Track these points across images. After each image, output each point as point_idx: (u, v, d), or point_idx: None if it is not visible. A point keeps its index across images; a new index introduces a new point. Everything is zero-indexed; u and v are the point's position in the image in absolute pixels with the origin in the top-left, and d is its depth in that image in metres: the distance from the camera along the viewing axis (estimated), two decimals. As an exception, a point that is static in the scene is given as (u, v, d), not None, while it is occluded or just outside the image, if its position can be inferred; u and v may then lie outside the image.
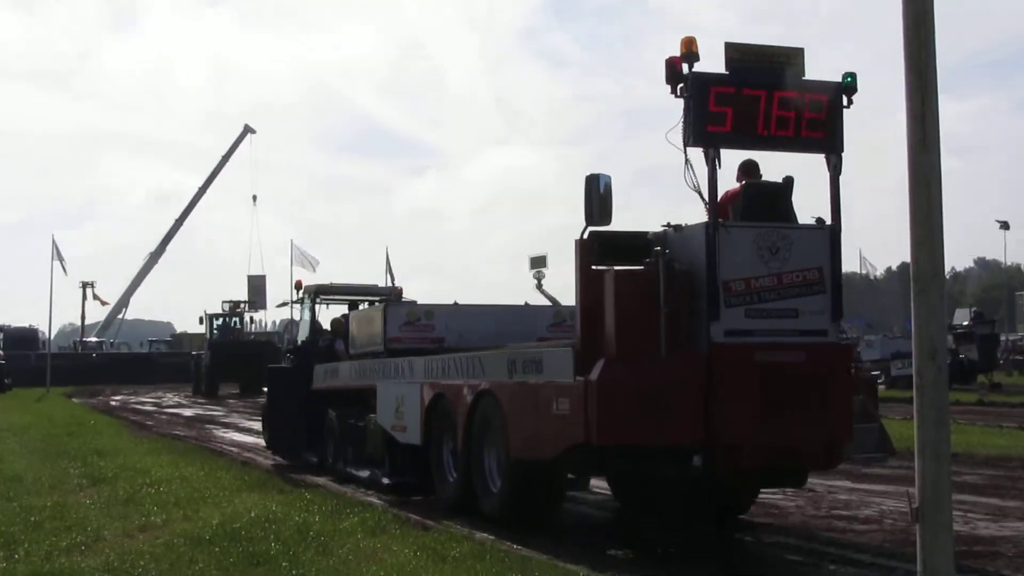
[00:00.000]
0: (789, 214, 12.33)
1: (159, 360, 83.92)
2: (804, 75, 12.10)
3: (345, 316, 21.82)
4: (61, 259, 62.84)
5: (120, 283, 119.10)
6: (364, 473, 18.17)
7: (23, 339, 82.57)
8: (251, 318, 70.20)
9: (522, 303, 18.37)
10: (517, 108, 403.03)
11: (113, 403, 52.05)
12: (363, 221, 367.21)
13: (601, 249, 12.31)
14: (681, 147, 11.76)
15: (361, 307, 22.54)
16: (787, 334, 12.00)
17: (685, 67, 11.70)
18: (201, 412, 44.67)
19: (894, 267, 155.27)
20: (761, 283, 11.92)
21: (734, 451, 11.72)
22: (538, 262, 17.24)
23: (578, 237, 12.40)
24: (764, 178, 12.93)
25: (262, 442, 24.72)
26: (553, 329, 16.87)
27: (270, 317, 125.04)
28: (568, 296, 13.71)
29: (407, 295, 23.40)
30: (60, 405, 46.34)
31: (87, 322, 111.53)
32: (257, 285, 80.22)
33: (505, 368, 13.56)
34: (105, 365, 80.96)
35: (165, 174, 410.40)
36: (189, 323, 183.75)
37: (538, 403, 12.66)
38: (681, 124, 11.77)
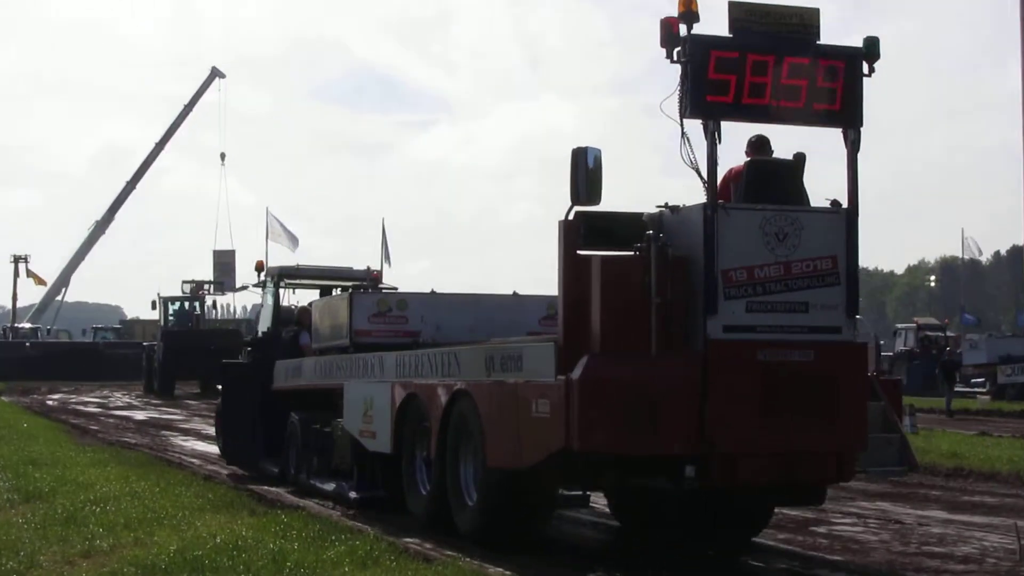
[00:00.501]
0: (800, 195, 11.25)
1: (106, 352, 72.71)
2: (819, 39, 10.92)
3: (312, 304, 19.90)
4: None
5: (59, 258, 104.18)
6: (329, 486, 16.82)
7: None
8: (215, 303, 63.16)
9: (510, 292, 16.85)
10: (546, 49, 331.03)
11: (50, 403, 47.02)
12: (355, 188, 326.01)
13: (589, 232, 11.39)
14: (677, 119, 10.63)
15: (336, 293, 20.79)
16: (795, 331, 11.06)
17: (683, 28, 10.53)
18: (156, 415, 39.72)
19: (1003, 251, 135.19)
20: (766, 273, 11.01)
21: (731, 461, 10.87)
22: None
23: (562, 218, 11.06)
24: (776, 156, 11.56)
25: (228, 453, 22.63)
26: (546, 323, 15.46)
27: (240, 302, 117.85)
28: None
29: (406, 278, 21.39)
30: None
31: (19, 304, 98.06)
32: (225, 262, 73.03)
33: (483, 365, 12.45)
34: (40, 357, 71.13)
35: (115, 128, 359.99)
36: (142, 308, 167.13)
37: (517, 405, 11.73)
38: (678, 93, 10.44)
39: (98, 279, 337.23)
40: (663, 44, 10.73)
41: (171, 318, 57.53)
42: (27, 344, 74.43)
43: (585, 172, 11.15)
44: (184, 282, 59.65)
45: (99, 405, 46.01)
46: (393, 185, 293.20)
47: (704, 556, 12.81)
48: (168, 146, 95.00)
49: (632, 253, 11.01)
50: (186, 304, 58.12)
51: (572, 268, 11.25)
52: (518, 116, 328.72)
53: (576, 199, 11.25)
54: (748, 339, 10.82)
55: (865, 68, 11.21)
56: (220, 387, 21.70)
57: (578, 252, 11.29)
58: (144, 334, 74.43)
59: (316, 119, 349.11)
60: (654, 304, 10.75)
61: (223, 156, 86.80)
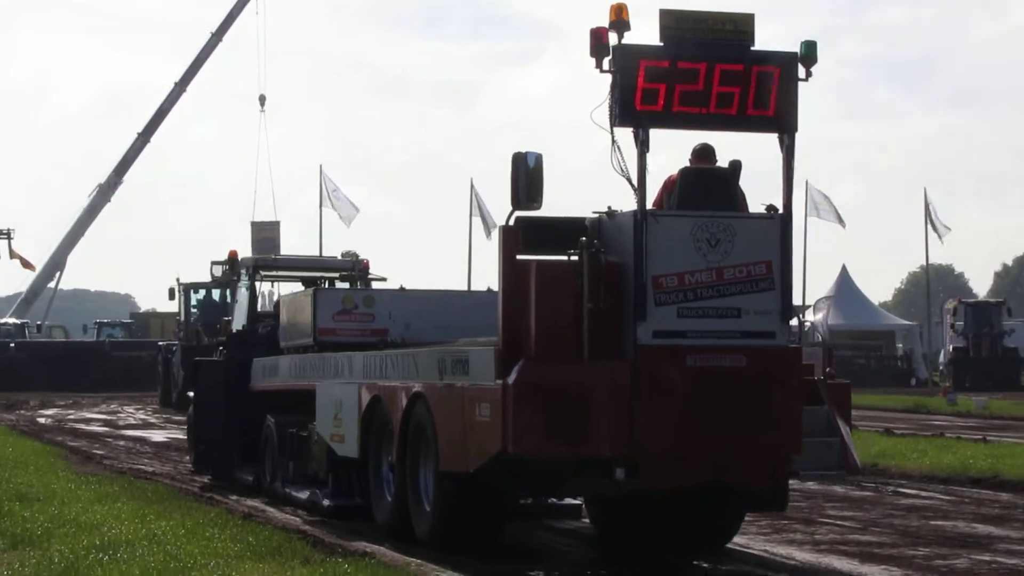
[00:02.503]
0: (734, 202, 11.61)
1: (113, 354, 58.70)
2: (753, 44, 11.33)
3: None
4: None
5: (52, 234, 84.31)
6: (303, 494, 16.70)
7: None
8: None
9: (484, 288, 16.79)
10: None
11: (42, 420, 38.71)
12: (431, 137, 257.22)
13: (528, 237, 11.74)
14: (608, 128, 10.84)
15: (324, 285, 20.15)
16: (727, 336, 11.52)
17: (613, 37, 10.88)
18: (178, 435, 30.89)
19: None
20: (697, 279, 11.48)
21: (660, 464, 11.33)
22: None
23: (503, 223, 11.45)
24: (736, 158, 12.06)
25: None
26: None
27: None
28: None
29: None
30: None
31: (2, 294, 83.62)
32: (267, 237, 58.03)
33: (436, 368, 12.70)
34: (28, 361, 57.52)
35: (122, 63, 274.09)
36: (158, 297, 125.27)
37: (464, 408, 12.21)
38: (608, 102, 10.73)
39: (103, 261, 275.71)
40: (592, 54, 11.14)
41: (194, 311, 45.98)
42: (11, 344, 59.80)
43: (526, 176, 11.63)
44: (213, 263, 50.91)
45: (105, 423, 37.80)
46: (483, 135, 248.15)
47: (665, 561, 13.06)
48: (191, 87, 76.63)
49: (568, 259, 11.35)
50: (214, 292, 44.48)
51: (511, 273, 11.72)
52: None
53: (516, 204, 11.69)
54: (678, 344, 11.29)
55: (802, 72, 11.65)
56: (192, 390, 20.70)
57: (517, 257, 11.65)
58: (161, 331, 64.04)
59: (378, 51, 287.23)
60: (586, 310, 11.12)
61: (263, 100, 69.18)
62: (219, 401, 19.38)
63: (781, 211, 11.59)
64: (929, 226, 49.53)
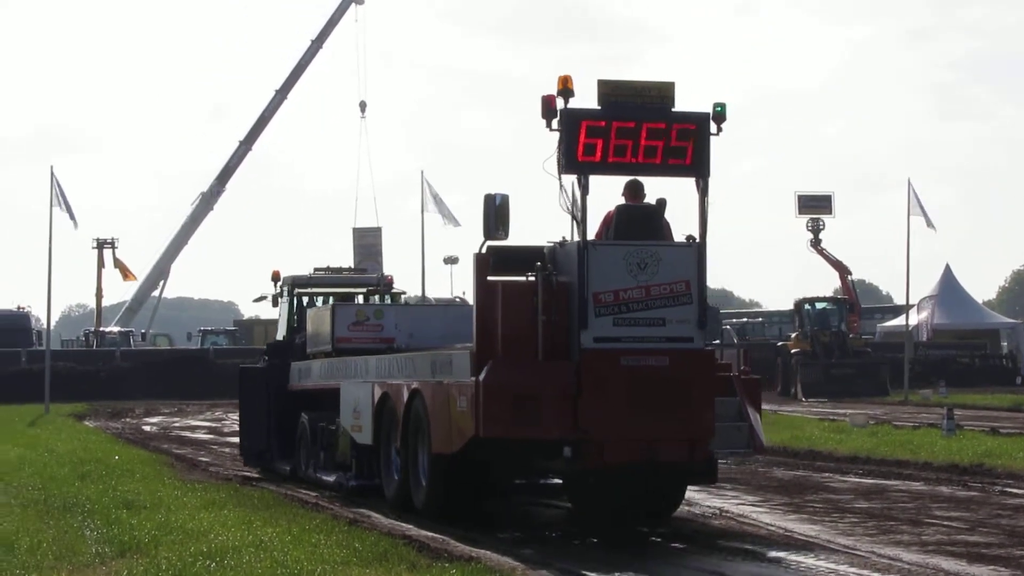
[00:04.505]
0: (660, 232, 14.39)
1: (217, 361, 59.34)
2: (674, 107, 13.97)
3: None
4: (65, 204, 43.00)
5: (156, 242, 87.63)
6: (331, 477, 19.79)
7: (9, 330, 61.50)
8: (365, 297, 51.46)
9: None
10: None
11: (148, 428, 39.44)
12: (535, 141, 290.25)
13: (497, 262, 14.61)
14: (555, 175, 13.66)
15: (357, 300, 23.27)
16: (653, 341, 14.50)
17: (560, 102, 13.65)
18: None
19: None
20: (629, 295, 14.36)
21: (599, 445, 14.12)
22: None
23: (476, 251, 14.39)
24: (662, 196, 14.83)
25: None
26: None
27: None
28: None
29: None
30: (66, 431, 33.55)
31: (105, 303, 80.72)
32: (368, 243, 60.66)
33: (429, 368, 15.61)
34: (134, 369, 58.33)
35: (223, 72, 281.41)
36: (261, 304, 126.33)
37: (449, 400, 14.98)
38: (556, 154, 13.63)
39: (206, 268, 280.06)
40: (543, 116, 14.09)
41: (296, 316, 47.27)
42: (117, 353, 60.99)
43: (494, 211, 14.62)
44: (316, 270, 49.19)
45: (211, 430, 38.14)
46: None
47: (609, 531, 15.90)
48: (291, 94, 78.62)
49: (527, 279, 14.35)
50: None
51: (483, 292, 14.78)
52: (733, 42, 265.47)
53: (487, 235, 14.66)
54: (614, 348, 14.37)
55: (714, 128, 14.61)
56: (238, 395, 23.82)
57: (488, 278, 14.63)
58: (266, 337, 60.19)
59: (477, 55, 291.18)
60: (540, 321, 14.10)
61: (363, 106, 71.61)
62: (262, 403, 22.36)
63: (698, 240, 14.61)
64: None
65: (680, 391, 14.31)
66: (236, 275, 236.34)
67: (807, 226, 58.03)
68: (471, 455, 15.15)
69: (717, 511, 16.88)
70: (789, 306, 58.23)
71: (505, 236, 14.78)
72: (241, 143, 78.39)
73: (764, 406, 27.00)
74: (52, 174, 42.11)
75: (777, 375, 51.79)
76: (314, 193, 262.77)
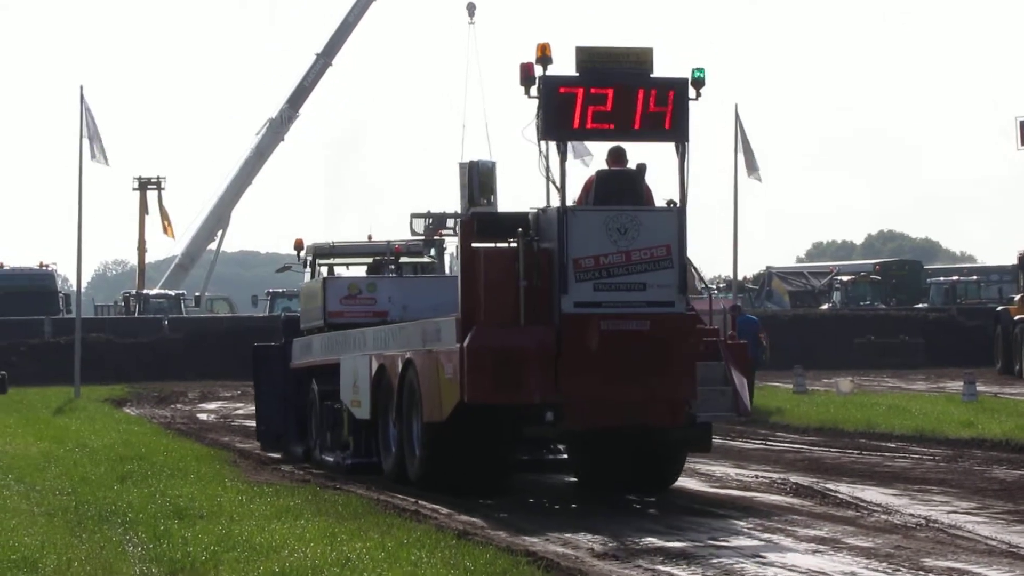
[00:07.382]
0: (640, 197, 14.71)
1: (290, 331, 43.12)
2: (652, 72, 14.27)
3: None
4: (95, 137, 36.12)
5: (209, 188, 73.88)
6: (332, 457, 19.87)
7: (30, 293, 51.48)
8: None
9: None
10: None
11: (204, 416, 33.67)
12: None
13: (482, 228, 15.07)
14: (535, 141, 14.03)
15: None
16: (634, 305, 14.86)
17: (538, 69, 14.01)
18: None
19: None
20: (609, 260, 14.77)
21: (581, 408, 14.42)
22: None
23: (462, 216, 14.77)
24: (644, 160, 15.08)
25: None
26: None
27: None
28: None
29: None
30: (101, 421, 28.23)
31: (150, 259, 67.56)
32: (481, 183, 46.84)
33: (420, 338, 16.03)
34: (186, 342, 48.49)
35: None
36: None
37: (438, 368, 15.44)
38: (535, 121, 13.98)
39: (273, 215, 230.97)
40: (522, 83, 14.42)
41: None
42: (165, 322, 51.11)
43: (478, 178, 15.03)
44: (413, 216, 42.40)
45: None
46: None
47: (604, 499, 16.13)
48: None
49: (508, 246, 14.71)
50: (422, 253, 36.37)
51: (467, 258, 15.20)
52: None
53: (471, 202, 14.99)
54: (594, 312, 14.74)
55: (692, 93, 14.89)
56: (252, 375, 22.57)
57: (472, 245, 14.99)
58: None
59: None
60: (521, 287, 14.45)
61: (471, 8, 56.09)
62: (277, 383, 21.75)
63: (678, 204, 14.94)
64: None
65: (660, 355, 14.65)
66: (313, 223, 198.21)
67: None
68: (459, 423, 15.55)
69: (922, 520, 13.99)
70: (1012, 260, 47.08)
71: (488, 202, 15.16)
72: (319, 56, 65.03)
73: (979, 388, 28.41)
74: (82, 97, 35.31)
75: (996, 348, 42.23)
76: (413, 120, 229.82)
